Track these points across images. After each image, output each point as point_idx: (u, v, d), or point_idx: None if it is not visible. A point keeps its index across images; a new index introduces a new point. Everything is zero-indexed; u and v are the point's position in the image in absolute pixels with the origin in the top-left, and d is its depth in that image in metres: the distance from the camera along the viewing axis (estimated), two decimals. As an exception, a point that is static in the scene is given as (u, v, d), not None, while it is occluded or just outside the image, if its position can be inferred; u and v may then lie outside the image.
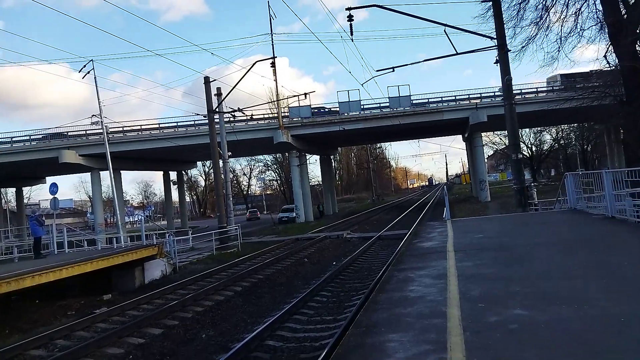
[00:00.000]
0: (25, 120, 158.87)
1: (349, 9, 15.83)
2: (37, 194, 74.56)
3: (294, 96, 30.72)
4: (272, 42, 36.03)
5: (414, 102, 39.13)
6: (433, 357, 3.66)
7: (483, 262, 7.08)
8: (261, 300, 11.33)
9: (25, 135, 39.69)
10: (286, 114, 38.97)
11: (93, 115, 26.76)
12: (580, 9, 18.07)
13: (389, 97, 38.18)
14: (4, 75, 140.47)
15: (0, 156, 37.24)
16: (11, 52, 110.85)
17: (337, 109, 38.93)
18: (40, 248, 16.27)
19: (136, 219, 71.32)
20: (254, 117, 35.77)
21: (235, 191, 72.91)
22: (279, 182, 79.96)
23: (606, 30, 17.34)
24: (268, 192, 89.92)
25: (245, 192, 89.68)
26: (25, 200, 61.37)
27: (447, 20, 15.95)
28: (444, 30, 15.80)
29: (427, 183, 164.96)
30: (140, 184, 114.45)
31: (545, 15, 18.54)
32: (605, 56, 17.69)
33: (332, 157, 61.26)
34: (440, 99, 40.27)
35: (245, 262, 17.59)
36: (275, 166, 76.21)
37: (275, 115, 39.03)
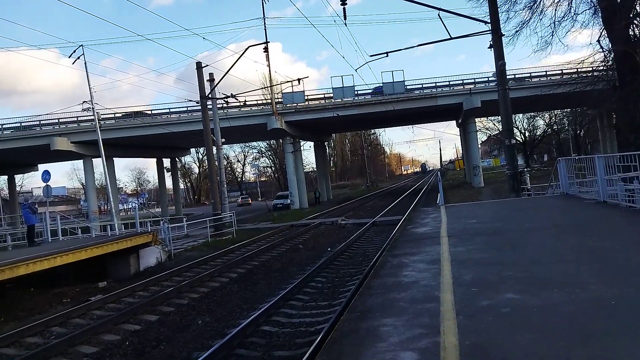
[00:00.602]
0: (15, 107, 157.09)
1: (341, -8, 15.65)
2: (30, 181, 74.45)
3: (288, 82, 30.55)
4: (265, 26, 35.75)
5: (407, 87, 39.03)
6: (426, 340, 3.70)
7: (476, 247, 7.14)
8: (256, 286, 11.38)
9: (16, 122, 39.33)
10: (280, 99, 38.77)
11: (84, 101, 26.59)
12: (574, -8, 18.03)
13: (382, 83, 38.01)
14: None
15: (-9, 143, 36.93)
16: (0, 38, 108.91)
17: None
18: (33, 236, 16.24)
19: (130, 206, 71.16)
20: (247, 103, 35.61)
21: (229, 178, 72.73)
22: (273, 168, 79.90)
23: (600, 15, 17.33)
24: (262, 179, 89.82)
25: (239, 179, 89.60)
26: (18, 188, 61.00)
27: (441, 4, 15.83)
28: (438, 15, 15.70)
29: (419, 169, 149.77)
30: (133, 171, 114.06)
31: (539, -1, 18.48)
32: (598, 41, 17.72)
33: (326, 143, 61.18)
34: (434, 84, 40.20)
35: (240, 248, 17.63)
36: (270, 153, 76.13)
37: (269, 101, 38.82)
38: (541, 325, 3.75)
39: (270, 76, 36.60)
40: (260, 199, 71.25)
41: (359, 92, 39.31)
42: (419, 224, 10.94)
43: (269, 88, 37.06)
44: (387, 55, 18.65)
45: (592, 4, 17.79)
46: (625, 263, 5.45)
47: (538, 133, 69.97)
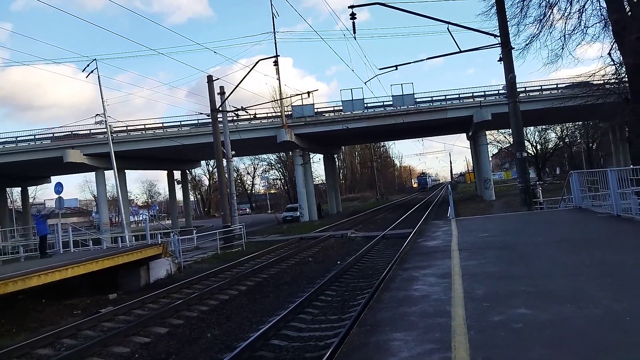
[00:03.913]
0: (32, 120, 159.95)
1: (351, 7, 15.82)
2: (43, 193, 74.94)
3: (297, 95, 30.69)
4: (275, 39, 36.21)
5: (417, 100, 39.09)
6: (437, 355, 3.67)
7: (487, 261, 7.08)
8: (266, 299, 11.36)
9: (30, 135, 39.92)
10: (290, 112, 39.00)
11: (97, 114, 26.97)
12: (584, 6, 17.99)
13: (392, 96, 38.12)
14: (11, 77, 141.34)
15: (5, 156, 37.51)
16: (19, 53, 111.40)
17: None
18: (46, 247, 16.37)
19: (141, 218, 71.52)
20: (257, 116, 35.86)
21: (239, 190, 73.02)
22: (282, 181, 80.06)
23: (610, 28, 17.25)
24: (272, 191, 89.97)
25: (249, 191, 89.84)
26: (31, 200, 61.63)
27: (450, 18, 15.93)
28: (447, 28, 15.73)
29: (417, 184, 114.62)
30: (144, 183, 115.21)
31: (549, 13, 18.47)
32: (609, 54, 17.62)
33: (335, 156, 61.23)
34: (444, 97, 40.21)
35: (250, 261, 17.64)
36: (279, 165, 76.32)
37: (279, 114, 39.06)
38: (554, 340, 3.70)
39: (280, 89, 36.82)
40: (269, 212, 71.32)
41: (369, 104, 39.44)
42: (429, 237, 10.88)
43: (279, 101, 37.31)
44: (397, 69, 18.66)
45: (603, 17, 17.71)
46: (639, 278, 5.37)
47: (550, 146, 69.60)
